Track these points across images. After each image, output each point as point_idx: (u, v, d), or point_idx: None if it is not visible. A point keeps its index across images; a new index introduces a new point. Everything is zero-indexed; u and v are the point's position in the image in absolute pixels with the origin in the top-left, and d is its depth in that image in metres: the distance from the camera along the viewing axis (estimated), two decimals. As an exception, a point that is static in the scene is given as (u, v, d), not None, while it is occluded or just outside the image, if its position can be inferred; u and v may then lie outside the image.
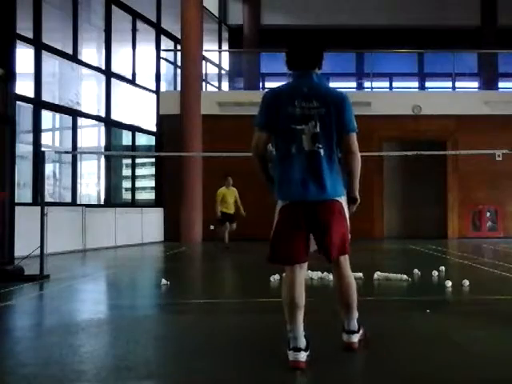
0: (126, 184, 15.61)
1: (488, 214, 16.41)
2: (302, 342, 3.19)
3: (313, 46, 3.41)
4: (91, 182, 14.41)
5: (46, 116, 12.28)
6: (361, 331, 3.57)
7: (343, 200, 3.33)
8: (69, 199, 12.59)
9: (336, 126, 3.25)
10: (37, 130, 11.51)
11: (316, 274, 6.88)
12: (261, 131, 3.35)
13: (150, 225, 15.05)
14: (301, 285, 3.26)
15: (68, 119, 12.82)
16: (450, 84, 17.64)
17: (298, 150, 3.24)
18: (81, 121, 13.24)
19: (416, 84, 20.56)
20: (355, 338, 3.51)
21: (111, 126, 14.36)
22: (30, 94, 11.36)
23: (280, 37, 20.93)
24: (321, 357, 3.39)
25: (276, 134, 3.31)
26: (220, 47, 20.22)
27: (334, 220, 3.23)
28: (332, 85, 18.09)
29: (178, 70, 16.33)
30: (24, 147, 11.29)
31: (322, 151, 3.23)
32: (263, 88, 19.93)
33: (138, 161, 15.95)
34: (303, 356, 3.15)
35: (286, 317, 3.24)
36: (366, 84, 18.31)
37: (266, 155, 3.37)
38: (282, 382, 3.03)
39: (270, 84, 20.46)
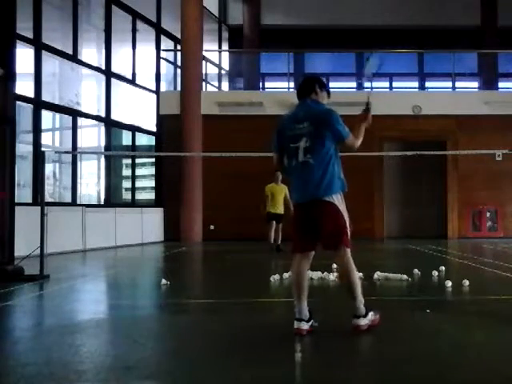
0: (126, 184, 15.61)
1: (488, 214, 16.41)
2: (305, 315, 3.93)
3: (305, 84, 4.22)
4: (91, 182, 14.41)
5: (46, 116, 12.27)
6: (372, 316, 4.02)
7: (338, 198, 3.97)
8: (69, 199, 12.59)
9: (329, 137, 3.96)
10: (37, 130, 11.51)
11: (316, 274, 6.88)
12: (274, 153, 4.24)
13: (149, 225, 15.05)
14: (304, 271, 4.04)
15: (68, 119, 12.82)
16: (450, 84, 17.63)
17: (296, 162, 4.02)
18: (81, 121, 13.24)
19: (416, 84, 20.57)
20: (361, 321, 3.95)
21: (111, 125, 14.37)
22: (30, 94, 11.36)
23: (280, 37, 21.05)
24: (319, 358, 3.39)
25: (284, 151, 4.14)
26: (220, 47, 20.22)
27: (328, 216, 3.93)
28: (332, 84, 17.93)
29: (178, 70, 16.35)
30: (24, 147, 11.29)
31: (311, 161, 3.95)
32: (263, 88, 19.96)
33: (138, 161, 15.95)
34: (304, 325, 3.90)
35: (293, 294, 4.00)
36: (366, 84, 18.30)
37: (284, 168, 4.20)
38: (283, 380, 3.03)
39: (270, 84, 20.49)
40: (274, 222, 11.77)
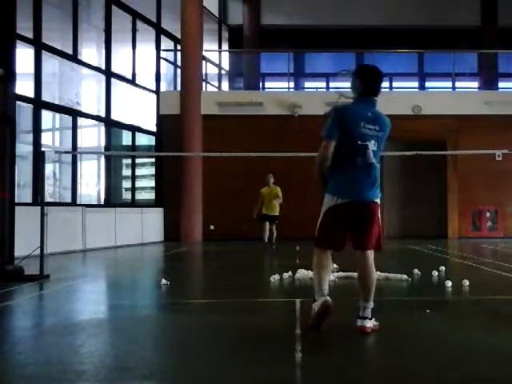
0: (126, 184, 15.61)
1: (488, 214, 16.41)
2: (326, 291, 4.02)
3: (380, 81, 4.16)
4: (91, 181, 14.41)
5: (46, 116, 12.27)
6: (374, 321, 4.04)
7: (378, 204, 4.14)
8: (69, 199, 12.59)
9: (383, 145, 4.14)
10: (37, 130, 11.51)
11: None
12: (330, 142, 4.00)
13: (149, 225, 15.05)
14: (330, 264, 4.21)
15: (68, 119, 12.82)
16: (450, 84, 17.64)
17: (363, 161, 4.00)
18: (81, 121, 13.24)
19: (416, 84, 20.56)
20: (368, 323, 3.99)
21: (111, 125, 14.37)
22: (30, 94, 11.36)
23: (280, 37, 21.01)
24: (319, 357, 3.39)
25: (342, 147, 4.00)
26: (220, 47, 20.22)
27: (375, 218, 4.07)
28: (331, 85, 17.82)
29: (178, 70, 16.35)
30: (24, 147, 11.29)
31: (377, 164, 4.08)
32: (263, 88, 19.96)
33: (138, 161, 15.95)
34: (330, 300, 3.97)
35: (316, 281, 4.08)
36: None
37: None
38: (283, 380, 3.03)
39: (270, 84, 20.48)
40: (268, 223, 12.16)
